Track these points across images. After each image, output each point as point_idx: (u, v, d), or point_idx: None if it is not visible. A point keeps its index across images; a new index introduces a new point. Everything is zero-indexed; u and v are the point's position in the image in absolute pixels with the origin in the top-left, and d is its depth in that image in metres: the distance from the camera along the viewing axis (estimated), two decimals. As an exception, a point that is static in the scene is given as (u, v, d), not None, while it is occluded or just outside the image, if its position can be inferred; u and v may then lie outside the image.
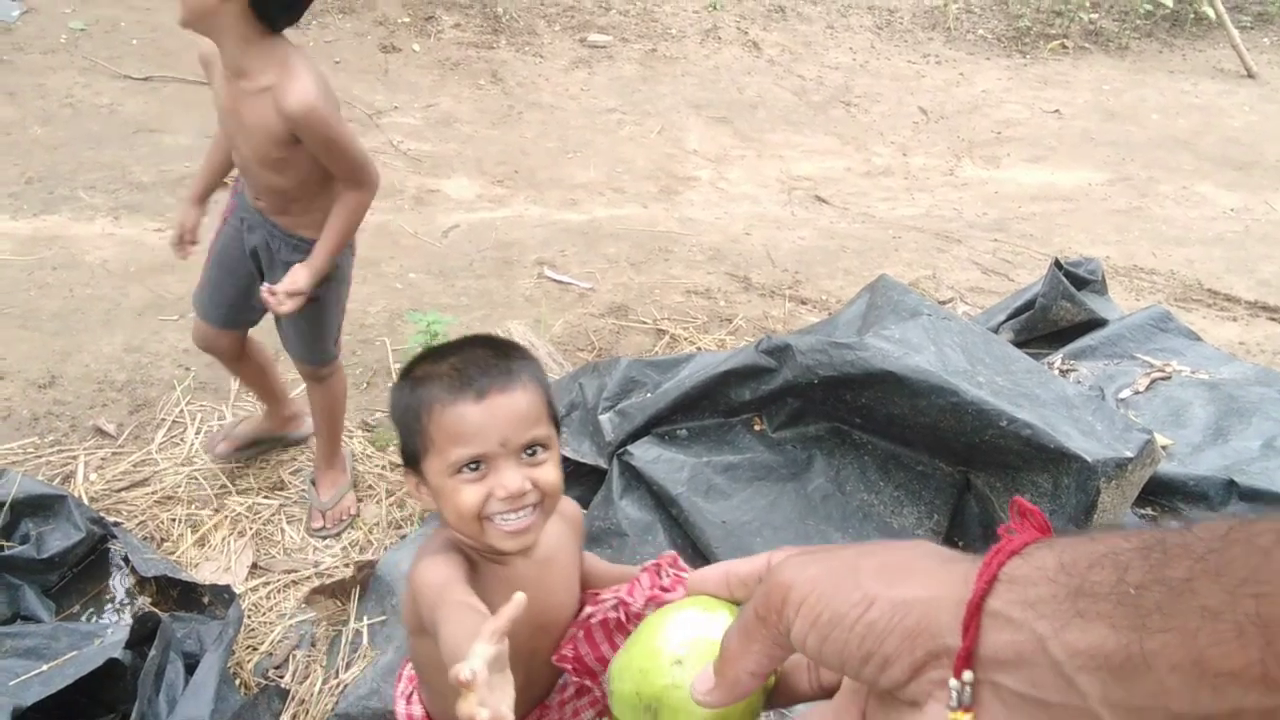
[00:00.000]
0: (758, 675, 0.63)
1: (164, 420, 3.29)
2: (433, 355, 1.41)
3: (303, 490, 3.03)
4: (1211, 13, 8.28)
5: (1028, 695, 0.51)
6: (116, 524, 2.74)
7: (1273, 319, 4.72)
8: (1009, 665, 0.51)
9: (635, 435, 2.45)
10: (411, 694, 1.64)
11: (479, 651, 1.01)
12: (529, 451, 1.33)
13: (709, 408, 2.49)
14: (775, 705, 0.69)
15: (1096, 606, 0.48)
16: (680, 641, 0.68)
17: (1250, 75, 8.16)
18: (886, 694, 0.58)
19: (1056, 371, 3.35)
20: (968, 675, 0.52)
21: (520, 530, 1.33)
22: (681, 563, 1.36)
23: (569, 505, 1.58)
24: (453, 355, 1.37)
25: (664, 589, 1.33)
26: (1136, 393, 3.27)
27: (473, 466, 1.31)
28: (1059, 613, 0.50)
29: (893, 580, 0.56)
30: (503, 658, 1.05)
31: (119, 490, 2.98)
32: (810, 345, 2.33)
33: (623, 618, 1.40)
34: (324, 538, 2.85)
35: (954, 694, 0.53)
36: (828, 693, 0.69)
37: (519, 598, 1.08)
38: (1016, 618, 0.51)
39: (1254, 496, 2.68)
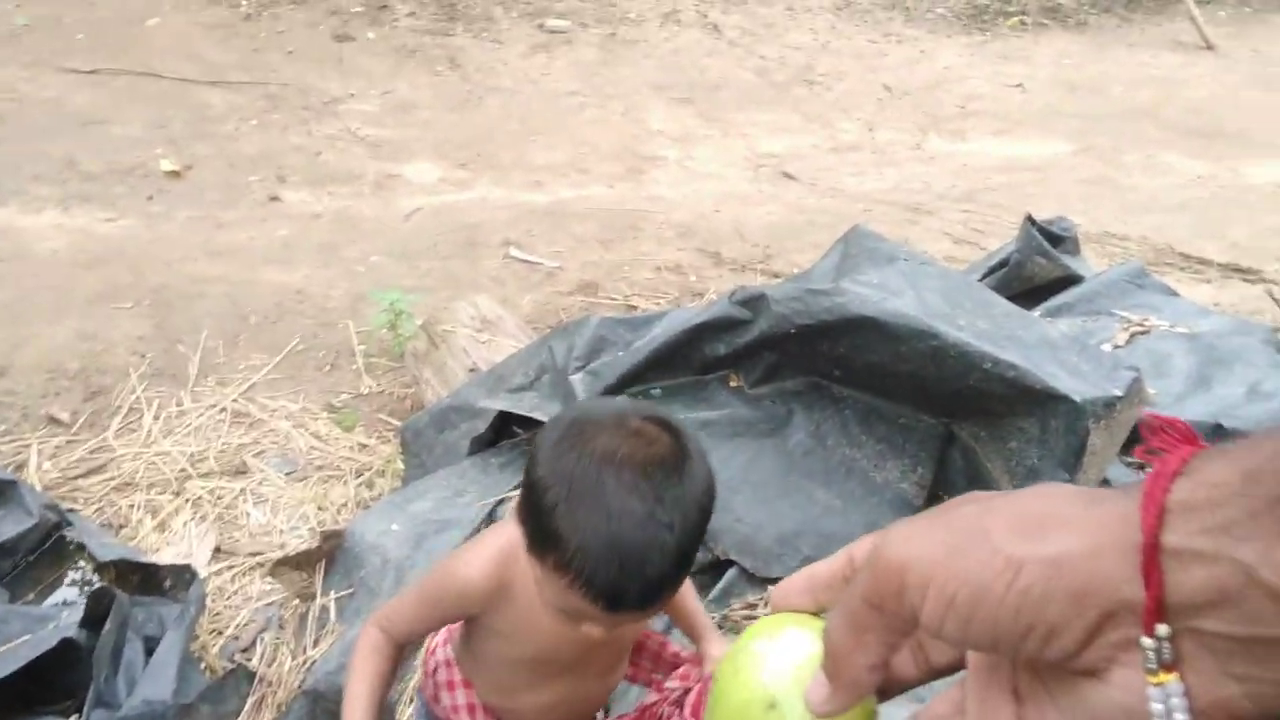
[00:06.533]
0: (877, 668, 0.54)
1: (119, 407, 3.17)
2: (601, 461, 1.14)
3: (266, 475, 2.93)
4: (1168, -14, 8.31)
5: (1243, 636, 0.42)
6: (72, 510, 2.62)
7: (1245, 280, 4.71)
8: (1211, 607, 0.42)
9: (608, 394, 2.37)
10: (453, 682, 1.52)
11: None
12: None
13: (683, 364, 2.42)
14: (882, 698, 0.58)
15: None
16: (768, 682, 0.59)
17: (1209, 47, 8.18)
18: (1051, 666, 0.48)
19: (1034, 329, 3.30)
20: (1163, 629, 0.43)
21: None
22: None
23: None
24: (613, 496, 1.12)
25: None
26: (1116, 347, 3.22)
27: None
28: (1261, 531, 0.41)
29: (1035, 535, 0.46)
30: None
31: (74, 478, 2.87)
32: (786, 294, 2.26)
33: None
34: None
35: (1150, 654, 0.44)
36: (938, 673, 0.59)
37: None
38: (1207, 549, 0.42)
39: (1241, 441, 2.63)
